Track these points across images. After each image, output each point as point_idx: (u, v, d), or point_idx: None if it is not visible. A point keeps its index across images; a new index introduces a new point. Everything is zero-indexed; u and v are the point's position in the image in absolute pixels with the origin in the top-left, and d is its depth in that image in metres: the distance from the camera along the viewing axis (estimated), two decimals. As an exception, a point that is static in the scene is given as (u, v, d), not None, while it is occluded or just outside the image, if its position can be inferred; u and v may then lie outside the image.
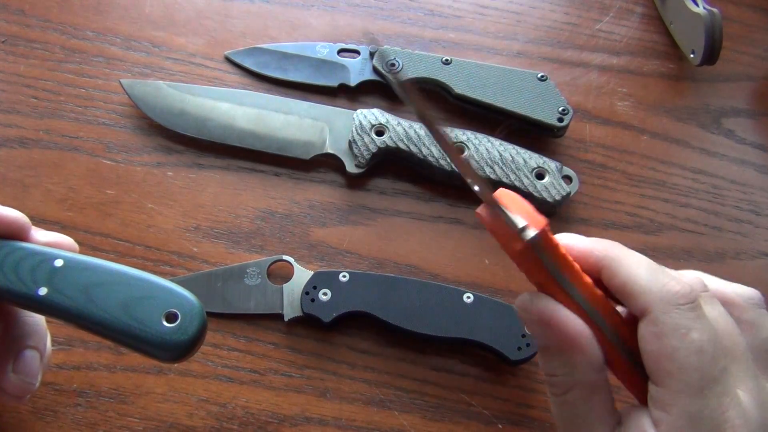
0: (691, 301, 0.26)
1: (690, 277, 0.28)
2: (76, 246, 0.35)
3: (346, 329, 0.46)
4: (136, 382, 0.43)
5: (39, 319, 0.36)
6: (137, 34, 0.56)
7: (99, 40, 0.56)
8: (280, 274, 0.47)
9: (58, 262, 0.31)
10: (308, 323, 0.45)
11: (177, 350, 0.30)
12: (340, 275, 0.45)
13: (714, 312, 0.27)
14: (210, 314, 0.45)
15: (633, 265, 0.27)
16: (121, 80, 0.52)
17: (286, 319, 0.45)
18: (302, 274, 0.46)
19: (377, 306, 0.44)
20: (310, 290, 0.45)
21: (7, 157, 0.50)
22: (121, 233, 0.48)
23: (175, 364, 0.44)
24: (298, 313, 0.45)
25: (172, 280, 0.32)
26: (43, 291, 0.31)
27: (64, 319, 0.31)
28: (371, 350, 0.45)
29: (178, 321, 0.30)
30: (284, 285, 0.46)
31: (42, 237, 0.34)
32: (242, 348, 0.45)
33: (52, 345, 0.44)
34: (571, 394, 0.28)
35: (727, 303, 0.28)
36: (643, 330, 0.26)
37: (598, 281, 0.28)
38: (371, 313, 0.44)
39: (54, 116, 0.52)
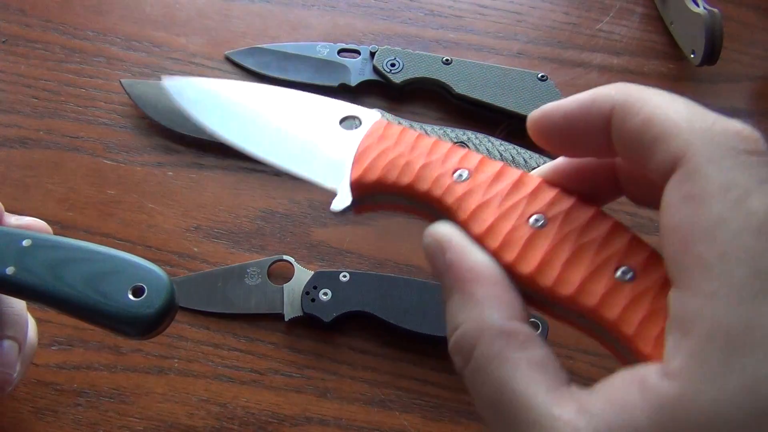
0: (758, 152, 0.17)
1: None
2: (49, 229, 0.35)
3: (347, 329, 0.46)
4: (137, 382, 0.43)
5: (20, 310, 0.36)
6: (138, 34, 0.56)
7: (99, 40, 0.56)
8: (280, 274, 0.47)
9: (26, 242, 0.31)
10: (308, 323, 0.45)
11: (143, 324, 0.29)
12: (341, 275, 0.45)
13: None
14: (210, 314, 0.46)
15: (665, 100, 0.18)
16: (121, 80, 0.52)
17: (286, 319, 0.45)
18: (302, 274, 0.46)
19: (377, 306, 0.44)
20: (310, 290, 0.45)
21: (7, 157, 0.50)
22: (121, 233, 0.48)
23: (170, 361, 0.44)
24: (298, 313, 0.45)
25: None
26: (10, 270, 0.30)
27: (32, 299, 0.31)
28: (371, 350, 0.45)
29: (145, 295, 0.29)
30: (284, 285, 0.46)
31: (14, 220, 0.34)
32: (243, 348, 0.45)
33: (53, 345, 0.44)
34: (479, 350, 0.19)
35: None
36: (670, 193, 0.17)
37: (601, 144, 0.20)
38: (371, 313, 0.44)
39: (54, 116, 0.52)
